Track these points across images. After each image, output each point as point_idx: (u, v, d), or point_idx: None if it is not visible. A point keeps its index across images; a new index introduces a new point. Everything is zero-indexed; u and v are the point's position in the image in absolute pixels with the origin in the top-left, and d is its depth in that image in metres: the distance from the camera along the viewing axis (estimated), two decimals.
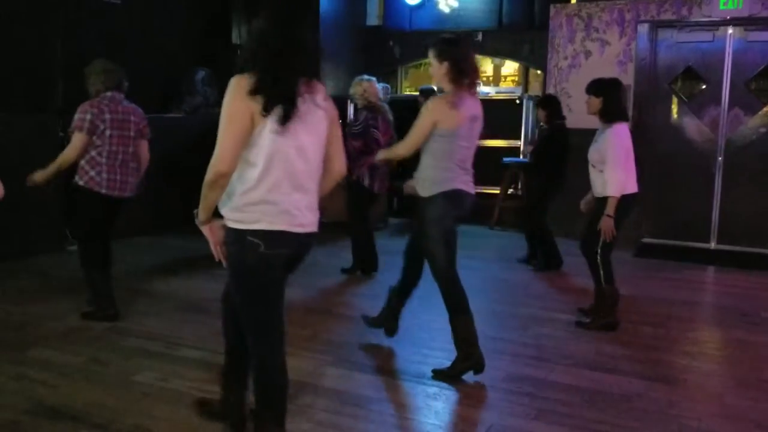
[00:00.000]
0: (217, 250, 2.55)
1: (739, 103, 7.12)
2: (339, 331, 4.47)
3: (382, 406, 3.37)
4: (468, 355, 3.70)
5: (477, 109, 3.78)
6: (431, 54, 3.73)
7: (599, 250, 4.54)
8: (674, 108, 7.37)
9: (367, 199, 6.07)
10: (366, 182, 5.91)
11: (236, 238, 2.45)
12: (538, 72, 9.39)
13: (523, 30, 9.21)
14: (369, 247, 6.07)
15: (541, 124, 6.64)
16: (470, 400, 3.48)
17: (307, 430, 3.09)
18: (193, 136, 7.23)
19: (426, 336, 4.41)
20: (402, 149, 3.85)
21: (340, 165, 2.74)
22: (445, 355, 4.07)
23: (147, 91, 6.64)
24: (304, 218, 2.52)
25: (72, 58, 6.11)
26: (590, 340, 4.40)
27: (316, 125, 2.52)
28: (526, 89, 9.54)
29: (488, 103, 7.31)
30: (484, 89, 9.69)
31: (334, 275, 5.93)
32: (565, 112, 6.43)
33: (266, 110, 2.35)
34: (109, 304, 4.52)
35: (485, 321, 4.81)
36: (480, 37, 9.49)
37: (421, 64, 10.83)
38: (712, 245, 7.28)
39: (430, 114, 3.65)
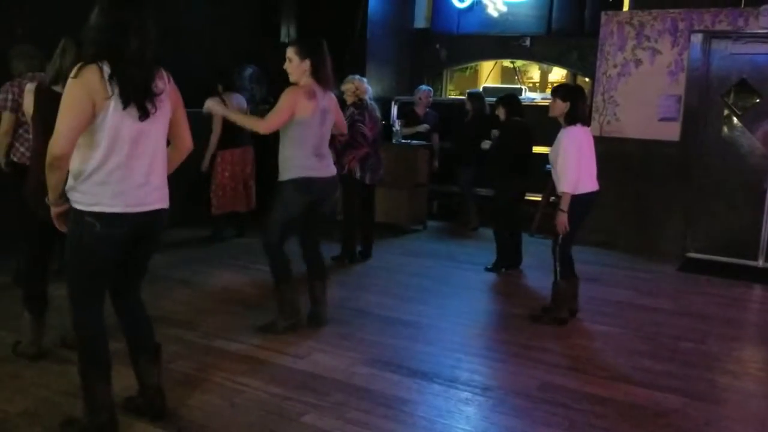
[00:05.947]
0: None
1: None
2: (372, 330, 4.48)
3: (414, 408, 3.36)
4: (290, 315, 4.26)
5: (329, 103, 4.20)
6: (293, 50, 4.06)
7: (557, 246, 4.75)
8: (726, 121, 7.18)
9: (360, 190, 6.34)
10: (357, 174, 6.21)
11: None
12: (586, 79, 9.28)
13: (572, 36, 9.09)
14: (353, 238, 6.38)
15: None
16: (503, 407, 3.45)
17: (337, 428, 3.10)
18: None
19: (460, 341, 4.39)
20: (262, 126, 4.10)
21: (187, 142, 3.00)
22: (479, 360, 4.06)
23: (194, 87, 6.74)
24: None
25: None
26: (627, 353, 4.31)
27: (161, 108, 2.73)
28: None
29: (534, 109, 7.31)
30: (530, 95, 9.60)
31: (372, 275, 5.94)
32: (612, 120, 6.32)
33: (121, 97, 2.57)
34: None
35: (520, 329, 4.77)
36: (528, 42, 9.41)
37: (467, 68, 10.80)
38: (760, 263, 7.06)
39: (289, 101, 3.98)
